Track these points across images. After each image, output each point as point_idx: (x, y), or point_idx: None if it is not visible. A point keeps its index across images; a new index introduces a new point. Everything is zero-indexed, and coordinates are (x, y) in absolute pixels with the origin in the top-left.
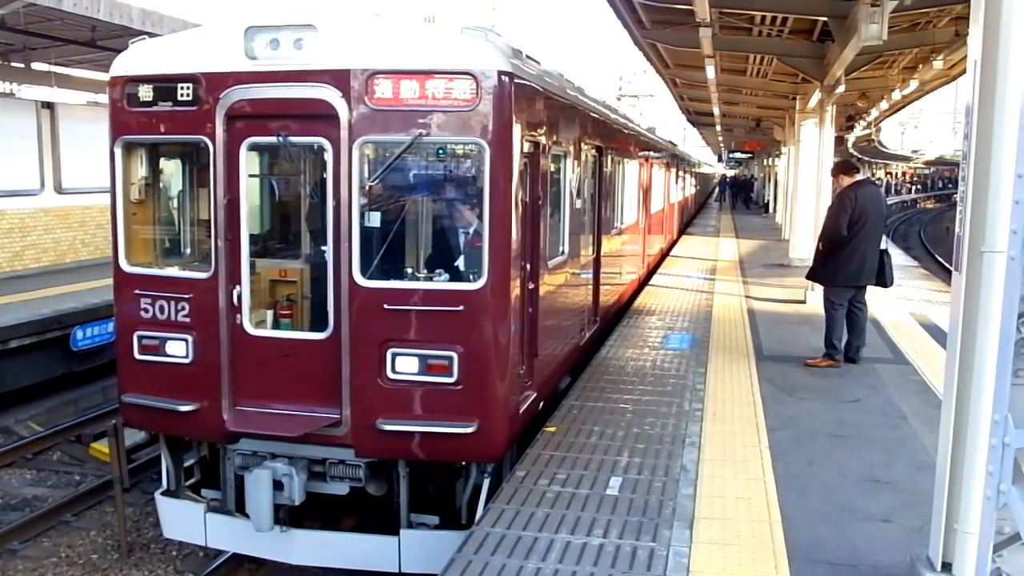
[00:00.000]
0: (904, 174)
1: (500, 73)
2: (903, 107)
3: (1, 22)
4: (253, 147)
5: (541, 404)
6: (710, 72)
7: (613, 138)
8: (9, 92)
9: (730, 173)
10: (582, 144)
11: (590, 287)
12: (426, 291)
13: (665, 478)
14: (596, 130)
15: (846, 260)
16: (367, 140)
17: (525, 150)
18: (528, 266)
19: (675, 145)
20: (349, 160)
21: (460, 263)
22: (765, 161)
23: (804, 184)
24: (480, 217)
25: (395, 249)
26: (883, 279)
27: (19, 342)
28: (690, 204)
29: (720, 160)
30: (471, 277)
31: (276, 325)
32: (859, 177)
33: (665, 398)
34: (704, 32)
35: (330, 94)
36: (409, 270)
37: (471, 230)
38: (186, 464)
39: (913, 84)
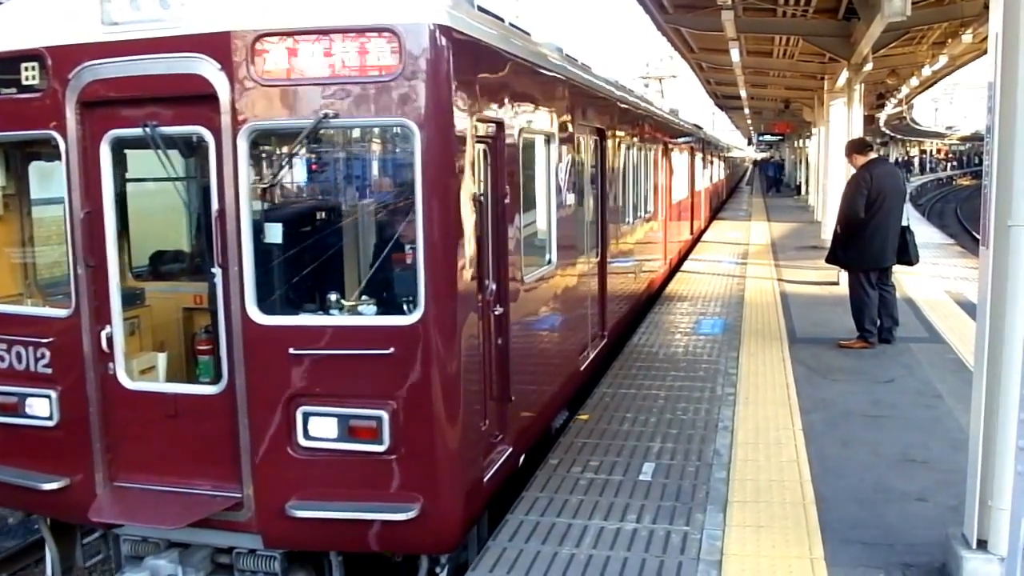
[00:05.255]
0: (939, 151)
1: (435, 28)
2: (934, 83)
3: None
4: (117, 143)
5: (522, 457)
6: (735, 55)
7: (620, 120)
8: None
9: (759, 156)
10: (575, 126)
11: (593, 297)
12: (343, 329)
13: (698, 463)
14: (596, 110)
15: (867, 243)
16: (256, 127)
17: (479, 133)
18: (492, 286)
19: (700, 128)
20: (234, 154)
21: (388, 289)
22: (795, 143)
23: (834, 165)
24: (412, 225)
25: (301, 273)
26: (907, 257)
27: None
28: (721, 190)
29: (750, 143)
30: (404, 308)
31: (194, 371)
32: (873, 156)
33: (698, 383)
34: (726, 15)
35: (206, 67)
36: (331, 298)
37: (403, 244)
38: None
39: (943, 59)
